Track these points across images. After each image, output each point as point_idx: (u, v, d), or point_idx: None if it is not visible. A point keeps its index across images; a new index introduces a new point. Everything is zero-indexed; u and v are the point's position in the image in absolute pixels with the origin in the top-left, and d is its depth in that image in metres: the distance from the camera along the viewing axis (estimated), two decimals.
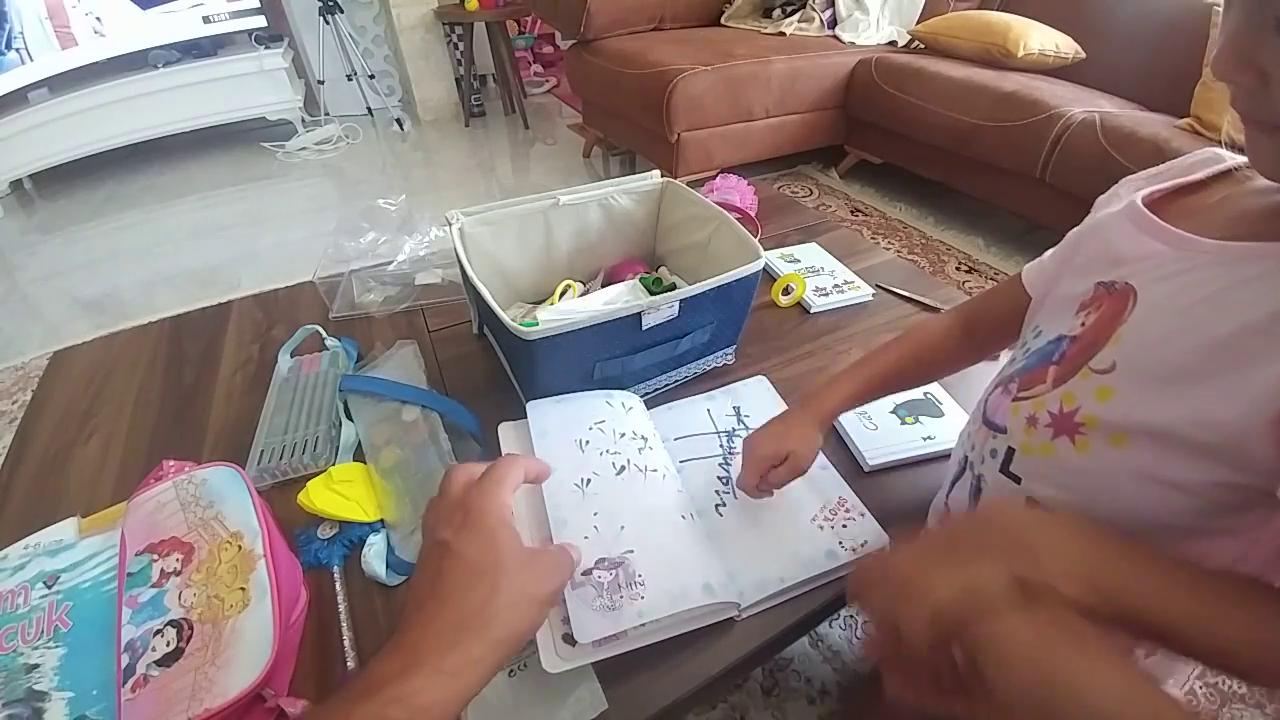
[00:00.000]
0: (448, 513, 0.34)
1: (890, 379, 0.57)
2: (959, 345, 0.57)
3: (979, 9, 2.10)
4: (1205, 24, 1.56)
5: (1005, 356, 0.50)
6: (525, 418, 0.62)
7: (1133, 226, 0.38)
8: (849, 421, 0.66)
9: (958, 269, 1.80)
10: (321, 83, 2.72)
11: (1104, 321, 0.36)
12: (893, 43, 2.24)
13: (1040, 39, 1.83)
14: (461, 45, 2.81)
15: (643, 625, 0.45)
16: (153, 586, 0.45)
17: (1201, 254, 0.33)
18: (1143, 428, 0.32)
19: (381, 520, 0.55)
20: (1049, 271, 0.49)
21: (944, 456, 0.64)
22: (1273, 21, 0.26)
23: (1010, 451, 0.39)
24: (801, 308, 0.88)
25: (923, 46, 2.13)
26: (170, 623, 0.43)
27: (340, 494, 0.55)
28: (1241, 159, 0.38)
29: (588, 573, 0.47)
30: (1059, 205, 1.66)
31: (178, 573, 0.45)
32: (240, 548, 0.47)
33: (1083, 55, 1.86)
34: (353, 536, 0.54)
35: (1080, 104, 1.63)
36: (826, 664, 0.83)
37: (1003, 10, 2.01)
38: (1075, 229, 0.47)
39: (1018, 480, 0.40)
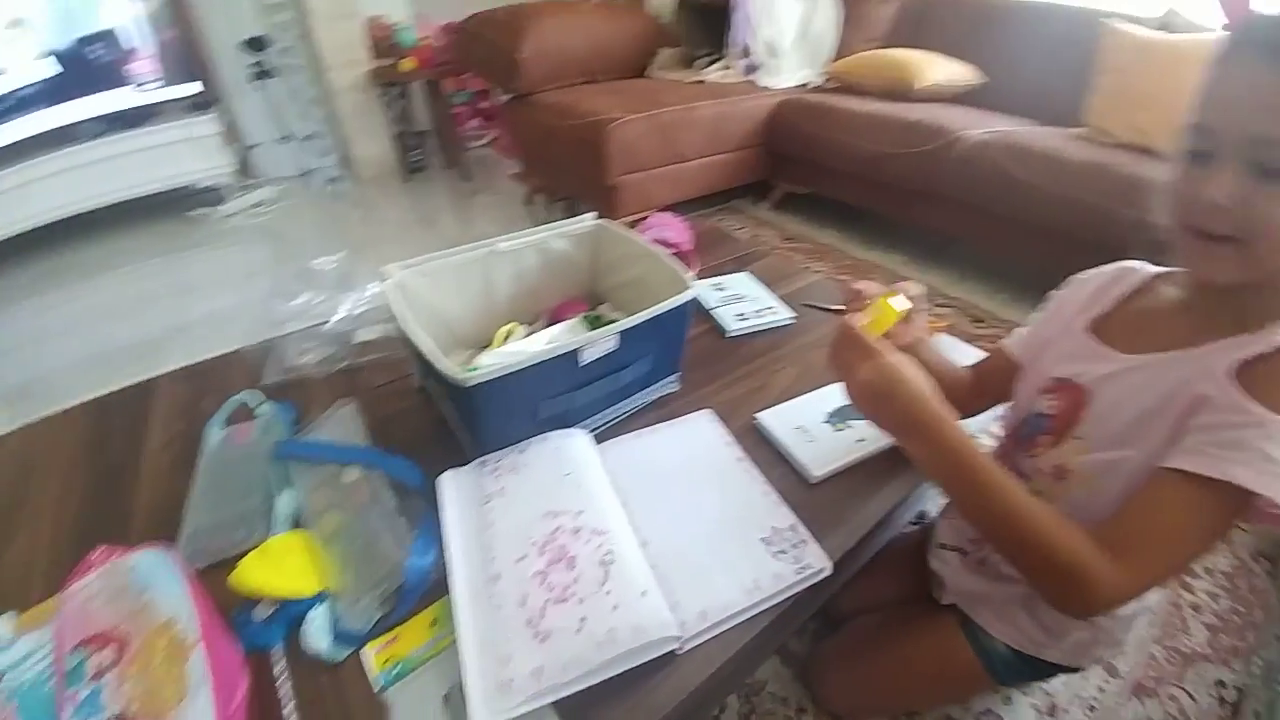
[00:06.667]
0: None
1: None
2: (969, 395, 0.68)
3: (885, 47, 2.27)
4: (1094, 35, 1.68)
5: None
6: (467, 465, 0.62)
7: (1078, 346, 0.57)
8: (788, 438, 0.69)
9: None
10: (254, 147, 2.69)
11: (1070, 407, 0.55)
12: (805, 84, 2.40)
13: (938, 71, 2.00)
14: (399, 104, 2.86)
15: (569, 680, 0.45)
16: (91, 681, 0.42)
17: (1122, 364, 0.52)
18: (1100, 467, 0.52)
19: (324, 591, 0.53)
20: (1032, 344, 0.65)
21: (880, 455, 0.68)
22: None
23: (1037, 494, 0.50)
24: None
25: (836, 85, 2.29)
26: (110, 719, 0.40)
27: (276, 568, 0.53)
28: (1152, 270, 0.57)
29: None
30: (969, 219, 1.79)
31: (115, 665, 0.43)
32: (173, 636, 0.44)
33: (984, 80, 2.03)
34: (293, 612, 0.51)
35: (979, 126, 1.77)
36: (797, 681, 0.83)
37: (909, 45, 2.18)
38: (1041, 316, 0.65)
39: None
